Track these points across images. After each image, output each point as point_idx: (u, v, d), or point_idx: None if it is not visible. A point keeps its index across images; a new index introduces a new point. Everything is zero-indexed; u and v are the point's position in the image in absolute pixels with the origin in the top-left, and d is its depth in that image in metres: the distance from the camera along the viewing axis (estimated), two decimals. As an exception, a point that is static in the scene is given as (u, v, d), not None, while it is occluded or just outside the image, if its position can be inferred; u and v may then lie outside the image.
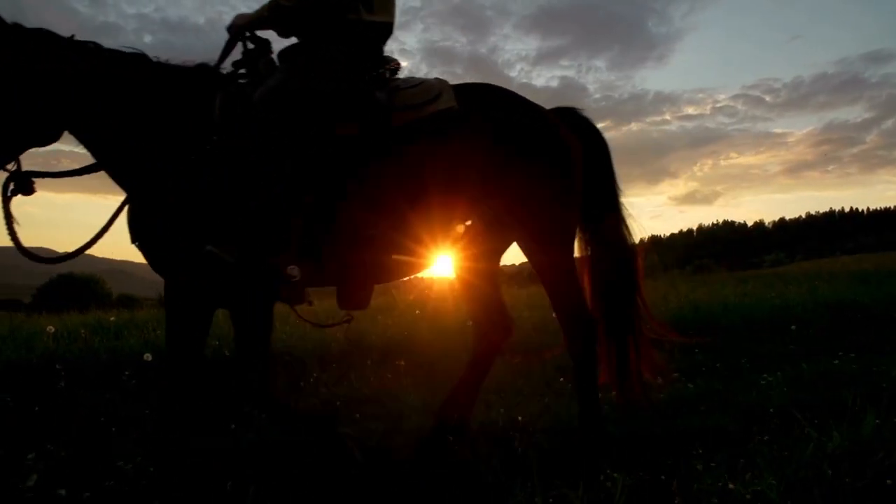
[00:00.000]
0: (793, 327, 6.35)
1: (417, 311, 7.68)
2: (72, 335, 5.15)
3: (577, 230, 2.97)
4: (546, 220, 2.74)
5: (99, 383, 4.08)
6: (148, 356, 4.26)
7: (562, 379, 4.48)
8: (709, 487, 2.15)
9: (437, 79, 2.65)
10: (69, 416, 3.51)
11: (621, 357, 3.01)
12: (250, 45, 2.62)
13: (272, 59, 2.65)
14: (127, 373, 4.09)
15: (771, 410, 3.30)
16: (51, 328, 4.88)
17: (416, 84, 2.60)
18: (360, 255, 2.54)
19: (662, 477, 2.45)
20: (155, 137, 2.39)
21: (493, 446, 2.90)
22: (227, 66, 2.67)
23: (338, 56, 2.53)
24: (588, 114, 3.06)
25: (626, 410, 3.52)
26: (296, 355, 4.90)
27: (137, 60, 2.51)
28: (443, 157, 2.52)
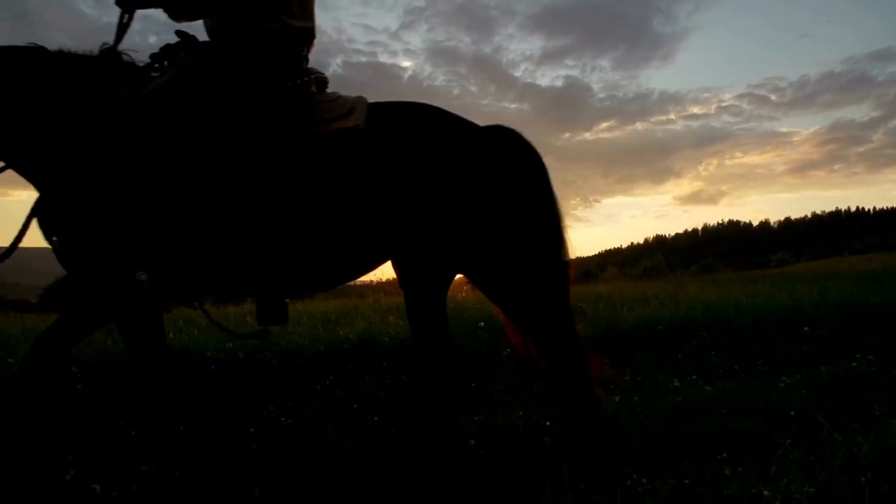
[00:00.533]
0: (805, 328, 6.31)
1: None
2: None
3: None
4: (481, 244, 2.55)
5: (115, 385, 4.08)
6: (164, 358, 4.25)
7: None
8: (739, 493, 2.13)
9: (358, 96, 2.50)
10: (88, 419, 3.51)
11: (568, 373, 2.86)
12: (126, 19, 2.48)
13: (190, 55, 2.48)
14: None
15: (792, 413, 3.27)
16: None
17: (333, 99, 2.46)
18: (263, 267, 2.41)
19: (687, 482, 2.44)
20: (56, 136, 2.27)
21: (518, 450, 2.86)
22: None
23: (242, 61, 2.38)
24: (526, 135, 2.86)
25: (644, 414, 3.51)
26: (308, 356, 4.89)
27: (33, 53, 2.34)
28: (344, 176, 2.33)
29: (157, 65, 2.51)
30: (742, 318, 6.99)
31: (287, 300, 2.53)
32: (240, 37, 2.40)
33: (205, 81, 2.36)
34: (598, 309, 7.48)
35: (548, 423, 3.30)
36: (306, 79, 2.45)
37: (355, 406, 3.89)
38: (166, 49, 2.49)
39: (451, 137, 2.45)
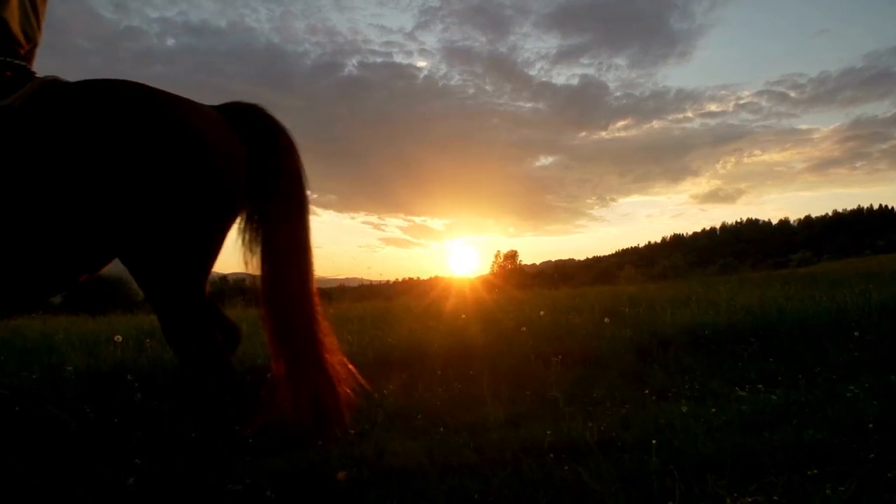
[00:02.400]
0: (855, 333, 6.18)
1: (463, 316, 7.63)
2: (136, 342, 5.16)
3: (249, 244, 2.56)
4: (158, 232, 2.16)
5: (170, 394, 4.07)
6: (216, 366, 4.24)
7: (640, 388, 4.36)
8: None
9: (48, 76, 2.24)
10: (150, 428, 3.50)
11: (307, 385, 2.58)
12: None
13: None
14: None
15: (870, 426, 3.17)
16: (118, 337, 4.89)
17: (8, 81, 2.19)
18: None
19: (776, 498, 2.37)
20: None
21: (611, 467, 2.78)
22: None
23: None
24: (271, 111, 2.53)
25: (711, 424, 3.44)
26: (358, 362, 4.84)
27: None
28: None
29: None
30: (785, 321, 6.88)
31: None
32: None
33: None
34: (640, 314, 7.40)
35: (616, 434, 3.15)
36: None
37: (419, 416, 3.84)
38: None
39: (124, 113, 2.11)
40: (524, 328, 6.32)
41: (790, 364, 5.07)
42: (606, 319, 6.97)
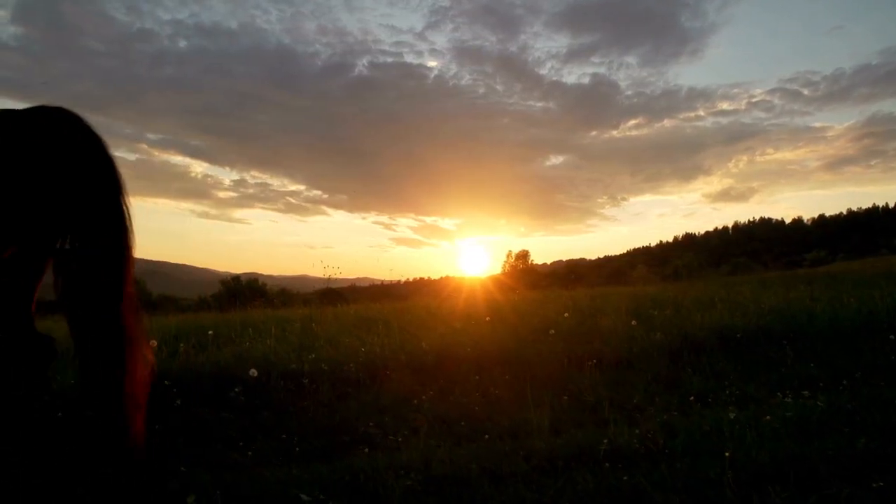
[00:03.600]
0: (891, 336, 6.08)
1: (487, 318, 7.59)
2: (169, 346, 5.16)
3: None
4: None
5: (208, 400, 4.06)
6: (254, 372, 4.23)
7: (677, 392, 4.31)
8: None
9: None
10: (193, 435, 3.49)
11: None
12: None
13: None
14: (237, 389, 4.06)
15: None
16: (153, 343, 4.88)
17: None
18: None
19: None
20: None
21: (665, 476, 2.72)
22: None
23: None
24: (78, 113, 2.26)
25: (759, 430, 3.38)
26: (391, 366, 4.83)
27: None
28: None
29: None
30: (815, 324, 6.79)
31: None
32: None
33: None
34: (666, 316, 7.34)
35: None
36: None
37: (462, 424, 3.82)
38: None
39: None
40: (552, 331, 6.28)
41: (827, 368, 5.00)
42: (633, 322, 6.91)
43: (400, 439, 3.43)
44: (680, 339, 6.06)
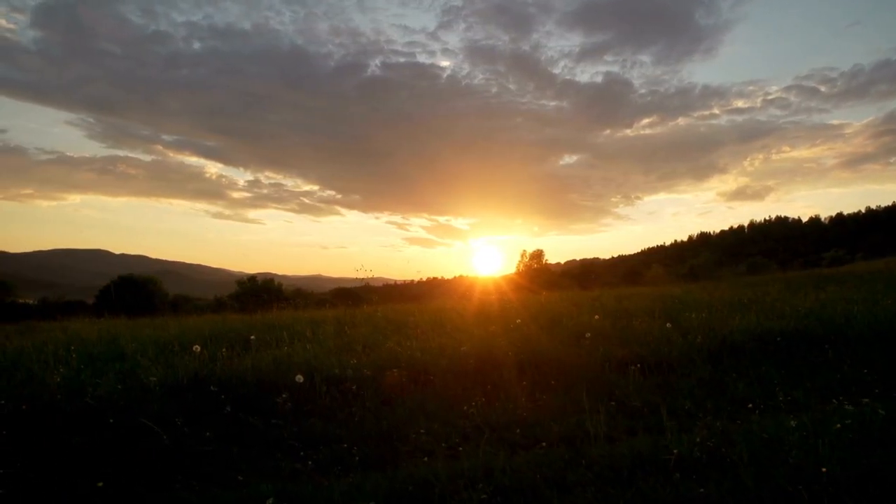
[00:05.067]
0: (937, 339, 5.96)
1: (518, 320, 7.54)
2: (209, 350, 5.15)
3: None
4: None
5: (255, 406, 4.04)
6: (300, 378, 4.21)
7: (722, 397, 4.22)
8: None
9: None
10: (247, 443, 3.46)
11: None
12: None
13: None
14: (284, 395, 4.03)
15: None
16: (197, 348, 4.88)
17: None
18: None
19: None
20: None
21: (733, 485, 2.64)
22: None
23: None
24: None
25: (821, 438, 3.30)
26: (432, 371, 4.79)
27: None
28: None
29: None
30: (854, 326, 6.68)
31: None
32: None
33: None
34: (700, 318, 7.25)
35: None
36: None
37: (517, 431, 3.77)
38: None
39: None
40: (588, 334, 6.22)
41: (878, 373, 4.89)
42: (668, 324, 6.84)
43: (453, 447, 3.39)
44: (719, 343, 5.99)
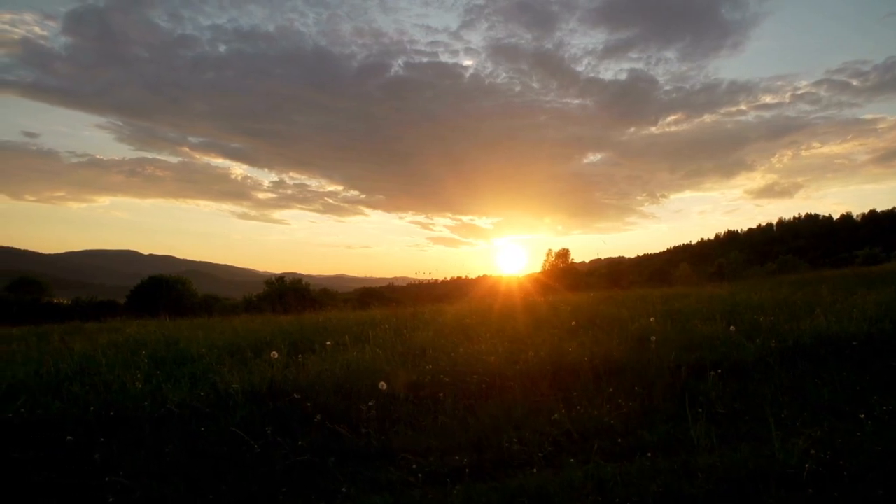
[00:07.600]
0: None
1: (573, 323, 7.44)
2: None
3: None
4: None
5: (342, 414, 4.00)
6: (383, 385, 4.17)
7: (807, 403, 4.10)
8: None
9: None
10: (344, 456, 3.42)
11: None
12: None
13: None
14: (370, 403, 3.99)
15: None
16: (274, 354, 4.87)
17: None
18: None
19: None
20: None
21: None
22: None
23: None
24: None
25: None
26: (507, 375, 4.72)
27: None
28: None
29: None
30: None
31: None
32: None
33: None
34: (763, 322, 7.08)
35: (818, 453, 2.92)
36: None
37: (596, 443, 3.68)
38: None
39: None
40: (653, 338, 6.10)
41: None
42: (732, 328, 6.69)
43: (548, 456, 3.32)
44: (791, 347, 5.84)
